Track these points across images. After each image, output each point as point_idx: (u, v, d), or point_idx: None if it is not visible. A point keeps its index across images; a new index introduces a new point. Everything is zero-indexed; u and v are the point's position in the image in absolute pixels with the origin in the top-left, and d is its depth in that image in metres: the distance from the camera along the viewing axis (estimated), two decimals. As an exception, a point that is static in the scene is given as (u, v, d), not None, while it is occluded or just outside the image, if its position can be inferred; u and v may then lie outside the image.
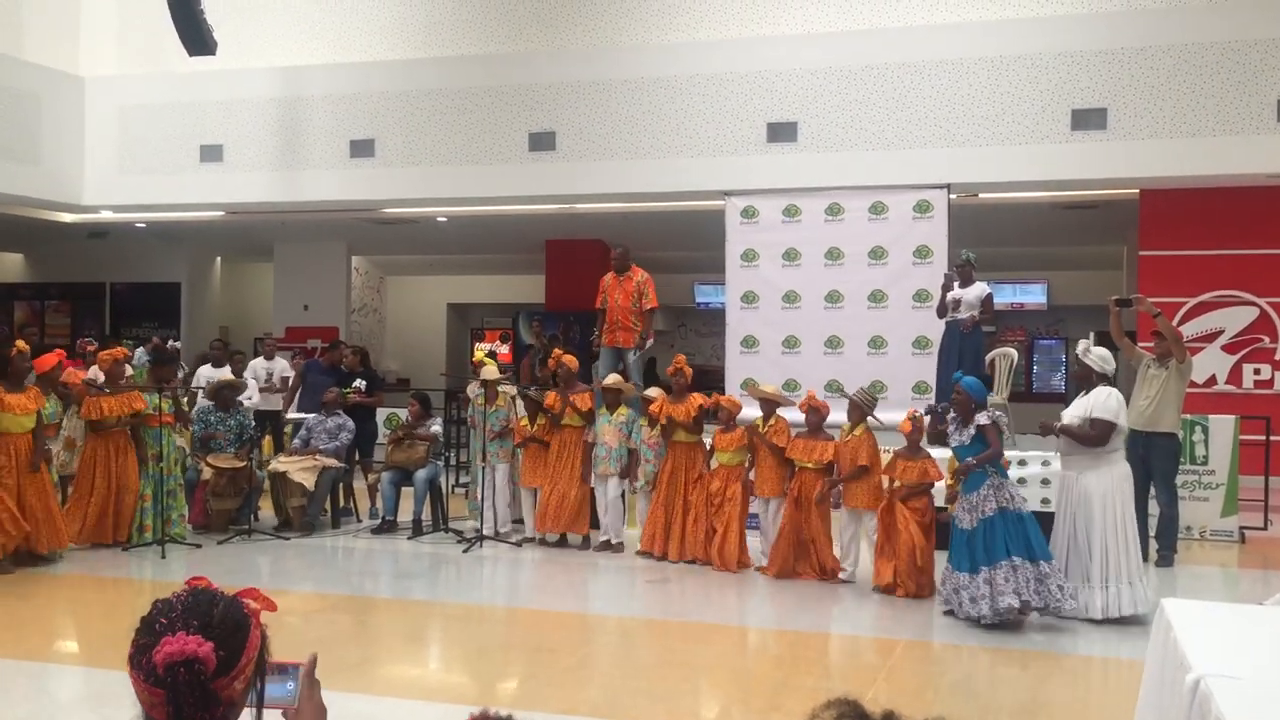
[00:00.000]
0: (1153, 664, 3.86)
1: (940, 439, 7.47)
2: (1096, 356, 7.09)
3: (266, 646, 1.92)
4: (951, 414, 7.21)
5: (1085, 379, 7.12)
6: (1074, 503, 6.95)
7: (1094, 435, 6.87)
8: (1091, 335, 9.60)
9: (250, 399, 11.39)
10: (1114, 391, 6.96)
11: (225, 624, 1.83)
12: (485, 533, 9.47)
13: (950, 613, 6.99)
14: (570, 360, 9.68)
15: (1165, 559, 8.55)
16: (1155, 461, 8.48)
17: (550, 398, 9.60)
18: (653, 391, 9.42)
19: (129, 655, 1.81)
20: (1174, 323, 9.42)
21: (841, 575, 8.10)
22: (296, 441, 10.57)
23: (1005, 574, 6.68)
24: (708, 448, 8.95)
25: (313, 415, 10.68)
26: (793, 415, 8.68)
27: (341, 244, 19.12)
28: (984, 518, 6.83)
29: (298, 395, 11.78)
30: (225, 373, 11.49)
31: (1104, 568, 6.79)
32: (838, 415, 8.46)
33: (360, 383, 11.29)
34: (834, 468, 8.18)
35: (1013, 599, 6.63)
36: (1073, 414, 7.05)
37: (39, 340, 18.04)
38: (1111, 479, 6.87)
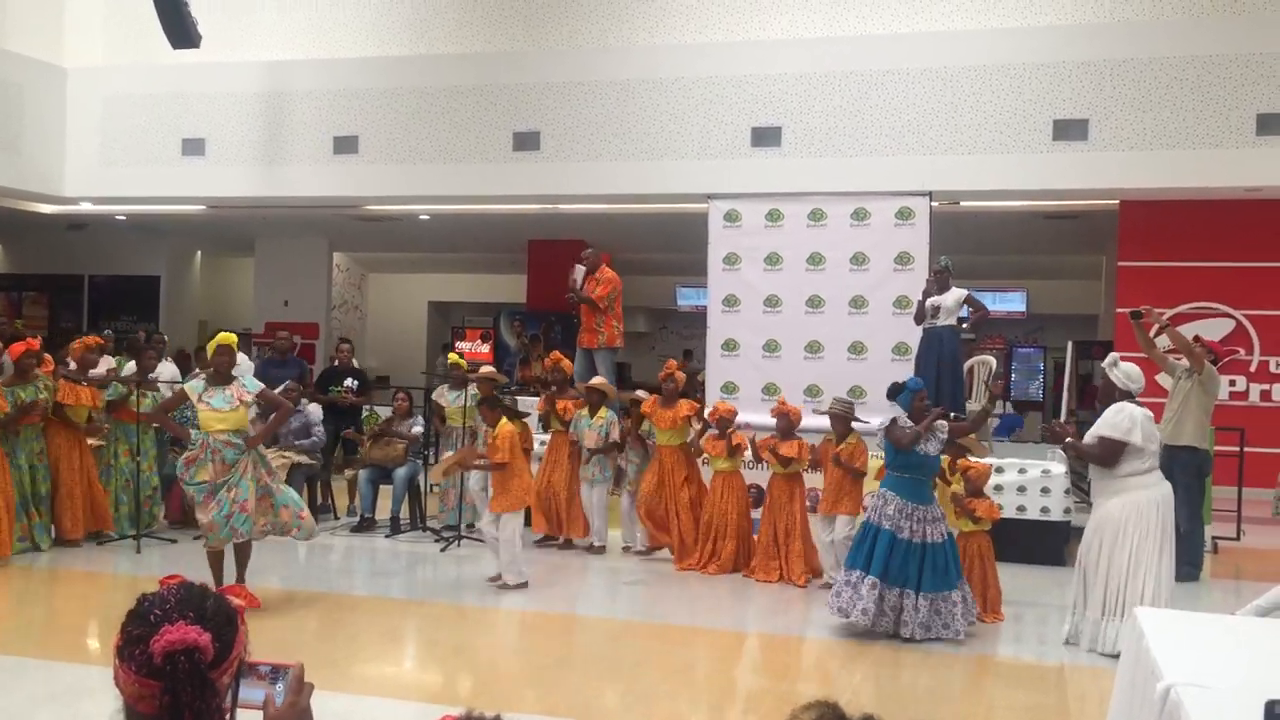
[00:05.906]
0: (1125, 671, 3.90)
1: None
2: (1121, 373, 6.49)
3: (246, 644, 1.93)
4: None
5: (1109, 394, 6.52)
6: (1093, 530, 6.40)
7: (1099, 453, 6.31)
8: (1070, 344, 9.63)
9: None
10: (1127, 407, 6.30)
11: (218, 616, 1.84)
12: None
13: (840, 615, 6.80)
14: (567, 365, 9.68)
15: (1187, 574, 7.91)
16: (1175, 475, 7.51)
17: (541, 402, 9.60)
18: (642, 394, 9.43)
19: (116, 647, 1.80)
20: (1151, 334, 9.44)
21: (826, 578, 8.04)
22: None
23: (962, 596, 6.66)
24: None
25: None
26: (766, 419, 8.77)
27: (323, 240, 19.04)
28: (942, 540, 6.70)
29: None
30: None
31: (1118, 600, 6.18)
32: (810, 420, 8.55)
33: (352, 382, 11.22)
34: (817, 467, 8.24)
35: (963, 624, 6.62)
36: (1091, 431, 6.53)
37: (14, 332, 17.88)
38: (1135, 506, 6.18)
